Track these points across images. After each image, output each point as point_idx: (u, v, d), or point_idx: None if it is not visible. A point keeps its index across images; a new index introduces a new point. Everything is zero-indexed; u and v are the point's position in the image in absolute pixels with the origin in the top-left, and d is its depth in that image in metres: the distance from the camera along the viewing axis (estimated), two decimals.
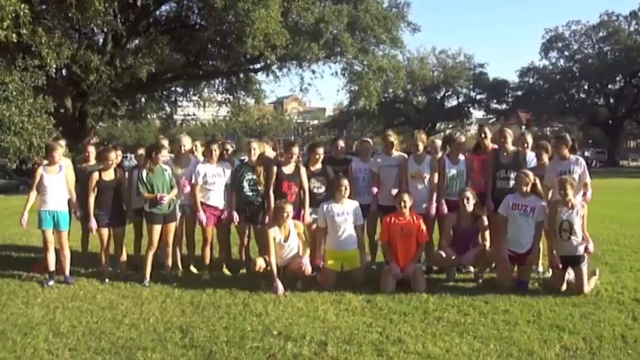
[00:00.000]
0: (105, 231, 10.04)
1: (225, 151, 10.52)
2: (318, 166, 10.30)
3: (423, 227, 9.43)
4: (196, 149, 10.82)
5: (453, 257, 9.50)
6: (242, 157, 10.60)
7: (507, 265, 9.22)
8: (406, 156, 10.43)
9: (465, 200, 9.39)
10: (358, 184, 10.25)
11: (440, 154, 10.49)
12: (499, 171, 9.91)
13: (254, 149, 10.24)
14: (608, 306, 8.09)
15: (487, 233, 9.57)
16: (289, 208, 9.31)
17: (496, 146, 10.21)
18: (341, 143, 11.09)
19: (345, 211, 9.52)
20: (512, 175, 9.64)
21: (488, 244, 9.55)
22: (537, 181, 9.21)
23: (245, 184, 10.14)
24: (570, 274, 8.83)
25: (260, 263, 9.31)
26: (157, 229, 9.80)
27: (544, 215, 9.08)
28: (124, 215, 10.22)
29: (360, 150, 10.82)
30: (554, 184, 9.30)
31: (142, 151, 10.46)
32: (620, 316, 7.63)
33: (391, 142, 10.48)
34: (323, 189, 10.14)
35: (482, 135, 10.41)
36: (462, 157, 10.21)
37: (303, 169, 10.15)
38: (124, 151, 11.51)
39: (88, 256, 10.94)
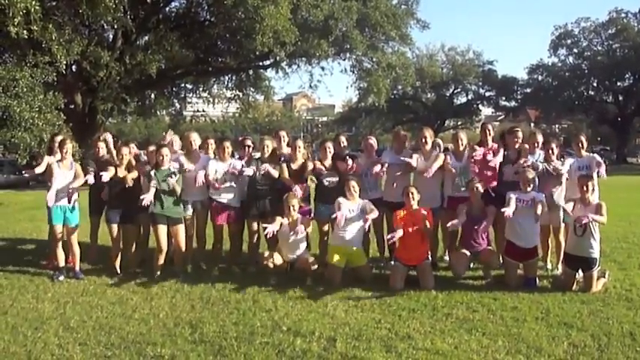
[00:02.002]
0: (115, 227, 10.06)
1: (247, 147, 10.56)
2: (329, 161, 10.32)
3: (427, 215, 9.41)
4: (209, 146, 10.81)
5: (468, 254, 9.51)
6: (254, 154, 10.61)
7: (510, 262, 9.25)
8: (412, 153, 10.44)
9: (475, 189, 9.37)
10: (365, 180, 10.25)
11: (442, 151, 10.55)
12: (507, 165, 9.96)
13: (267, 146, 10.29)
14: (616, 303, 8.10)
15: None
16: (294, 202, 9.46)
17: (495, 144, 10.33)
18: (343, 139, 11.09)
19: (354, 209, 9.53)
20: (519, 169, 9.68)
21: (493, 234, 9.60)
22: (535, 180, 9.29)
23: (257, 178, 10.16)
24: (580, 274, 8.82)
25: (268, 256, 9.37)
26: (162, 229, 9.76)
27: (544, 204, 9.11)
28: (132, 213, 10.19)
29: (364, 147, 10.82)
30: (570, 180, 9.52)
31: (152, 148, 10.45)
32: (628, 314, 7.64)
33: (402, 136, 10.52)
34: (333, 180, 10.14)
35: (486, 132, 10.46)
36: (466, 153, 10.23)
37: (310, 165, 10.20)
38: (138, 147, 11.48)
39: (96, 249, 10.99)
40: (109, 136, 10.91)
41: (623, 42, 65.20)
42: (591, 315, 7.60)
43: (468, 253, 9.41)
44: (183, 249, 10.02)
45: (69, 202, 9.80)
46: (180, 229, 9.91)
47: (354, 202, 9.55)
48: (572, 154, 10.11)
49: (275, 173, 9.99)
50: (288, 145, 10.77)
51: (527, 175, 9.15)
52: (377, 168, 9.81)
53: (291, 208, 9.42)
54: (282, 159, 10.30)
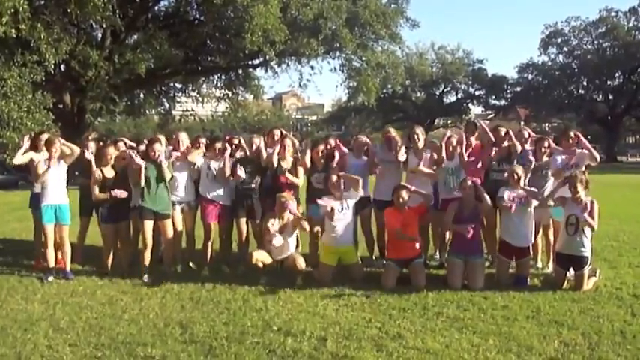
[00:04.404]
0: (110, 227, 10.05)
1: (233, 146, 10.56)
2: (321, 162, 10.33)
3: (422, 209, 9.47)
4: (200, 146, 10.73)
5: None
6: (241, 153, 10.60)
7: (502, 259, 9.26)
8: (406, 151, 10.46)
9: (467, 189, 9.33)
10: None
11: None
12: (492, 163, 9.98)
13: (255, 144, 10.30)
14: (607, 301, 8.12)
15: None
16: (291, 205, 9.45)
17: (478, 143, 10.40)
18: (332, 142, 11.08)
19: (343, 207, 9.53)
20: (506, 167, 9.67)
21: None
22: (523, 176, 9.26)
23: (245, 177, 10.14)
24: (571, 272, 8.83)
25: (257, 255, 9.34)
26: (148, 224, 9.76)
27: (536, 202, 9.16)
28: (125, 211, 10.19)
29: (354, 146, 10.81)
30: (557, 176, 9.52)
31: (143, 147, 10.45)
32: (618, 312, 7.68)
33: (392, 137, 10.50)
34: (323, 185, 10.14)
35: (470, 131, 10.51)
36: (457, 153, 10.22)
37: (301, 169, 10.22)
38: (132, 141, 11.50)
39: (83, 249, 10.93)
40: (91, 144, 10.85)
41: (613, 41, 65.51)
42: (582, 313, 7.62)
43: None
44: (172, 244, 10.03)
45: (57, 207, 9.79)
46: (168, 224, 9.93)
47: (341, 200, 9.54)
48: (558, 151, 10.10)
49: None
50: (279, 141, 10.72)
51: (516, 171, 9.17)
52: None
53: (283, 210, 9.40)
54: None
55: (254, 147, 10.30)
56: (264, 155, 10.24)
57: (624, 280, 9.24)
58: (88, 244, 10.98)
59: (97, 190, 9.86)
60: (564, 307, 7.89)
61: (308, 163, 10.35)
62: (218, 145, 10.31)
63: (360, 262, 9.98)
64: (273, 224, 9.34)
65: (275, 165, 10.15)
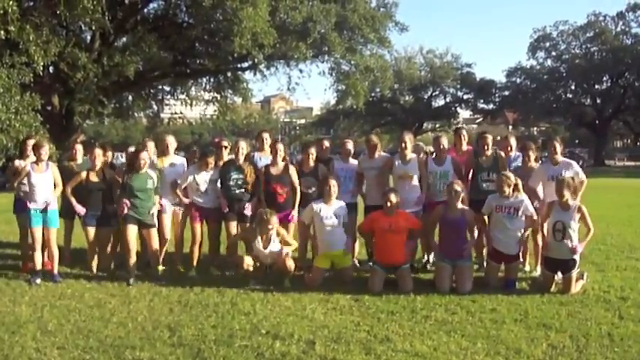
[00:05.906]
0: (92, 230, 10.02)
1: (223, 148, 10.54)
2: (310, 166, 10.32)
3: (414, 220, 9.51)
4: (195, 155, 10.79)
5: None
6: (229, 156, 10.60)
7: (492, 264, 9.29)
8: (389, 157, 10.50)
9: (454, 193, 9.32)
10: (339, 183, 10.27)
11: (422, 155, 10.55)
12: (481, 173, 10.00)
13: (242, 149, 10.25)
14: (594, 304, 8.15)
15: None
16: (274, 220, 9.39)
17: (470, 147, 10.43)
18: (326, 143, 11.12)
19: (333, 213, 9.55)
20: (495, 177, 9.67)
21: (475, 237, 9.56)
22: (519, 181, 9.24)
23: (231, 182, 10.12)
24: (559, 275, 8.85)
25: (248, 261, 9.34)
26: (131, 229, 9.75)
27: (529, 210, 9.19)
28: (112, 216, 10.16)
29: (341, 151, 10.85)
30: (543, 186, 9.63)
31: (132, 149, 10.45)
32: (606, 315, 7.69)
33: (374, 145, 10.51)
34: (313, 188, 10.14)
35: (461, 137, 10.55)
36: (448, 157, 10.24)
37: (292, 168, 10.20)
38: (113, 149, 11.47)
39: (69, 252, 10.94)
40: (79, 146, 10.91)
41: (601, 45, 65.86)
42: (570, 316, 7.65)
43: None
44: (158, 252, 10.01)
45: (45, 210, 9.74)
46: (153, 232, 9.94)
47: (331, 206, 9.57)
48: (546, 161, 10.13)
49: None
50: (270, 147, 10.70)
51: (502, 186, 9.16)
52: None
53: (269, 228, 9.37)
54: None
55: (239, 151, 10.24)
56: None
57: (612, 283, 9.27)
58: (75, 247, 10.95)
59: (69, 187, 9.96)
60: (552, 310, 7.91)
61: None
62: (210, 160, 10.28)
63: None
64: (257, 242, 9.44)
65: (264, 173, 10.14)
